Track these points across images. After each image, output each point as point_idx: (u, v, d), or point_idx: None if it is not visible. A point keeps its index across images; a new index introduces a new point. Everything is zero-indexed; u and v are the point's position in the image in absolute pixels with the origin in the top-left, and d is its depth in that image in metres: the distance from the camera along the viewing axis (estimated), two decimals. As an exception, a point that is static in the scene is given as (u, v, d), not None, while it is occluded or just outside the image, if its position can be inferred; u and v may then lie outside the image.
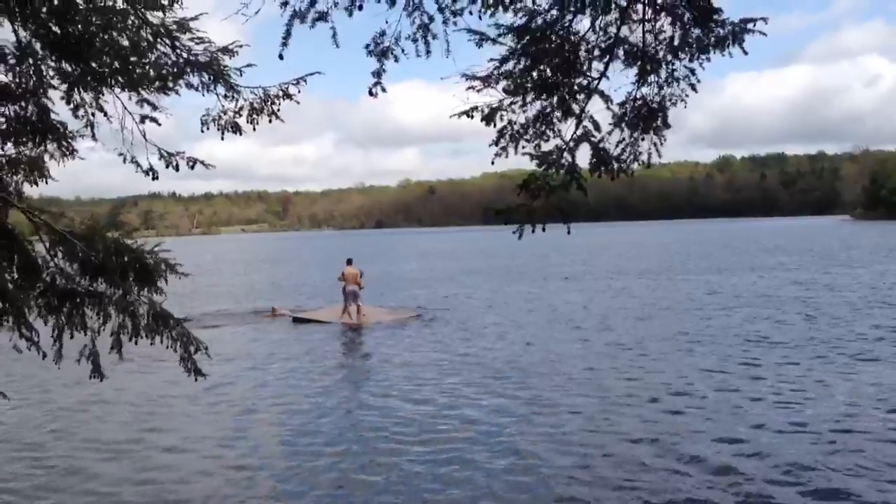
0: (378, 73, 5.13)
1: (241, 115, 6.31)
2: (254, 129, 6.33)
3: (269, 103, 6.31)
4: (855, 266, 35.56)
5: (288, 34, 5.11)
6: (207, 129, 6.33)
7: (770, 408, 10.56)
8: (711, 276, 33.45)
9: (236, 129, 6.34)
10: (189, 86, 6.25)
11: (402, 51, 5.10)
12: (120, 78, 6.03)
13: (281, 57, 5.22)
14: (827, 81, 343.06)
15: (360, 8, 5.00)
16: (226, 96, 6.29)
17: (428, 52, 5.06)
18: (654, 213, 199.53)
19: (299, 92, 6.27)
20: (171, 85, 6.13)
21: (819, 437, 9.12)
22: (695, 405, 10.82)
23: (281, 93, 6.30)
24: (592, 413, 10.61)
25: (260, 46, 5.30)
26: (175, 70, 6.08)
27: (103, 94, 6.22)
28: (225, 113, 6.32)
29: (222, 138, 6.33)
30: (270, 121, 6.35)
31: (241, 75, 6.37)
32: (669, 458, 8.60)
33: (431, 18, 5.04)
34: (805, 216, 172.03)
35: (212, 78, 6.24)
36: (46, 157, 6.48)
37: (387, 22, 5.15)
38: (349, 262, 22.39)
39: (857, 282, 28.10)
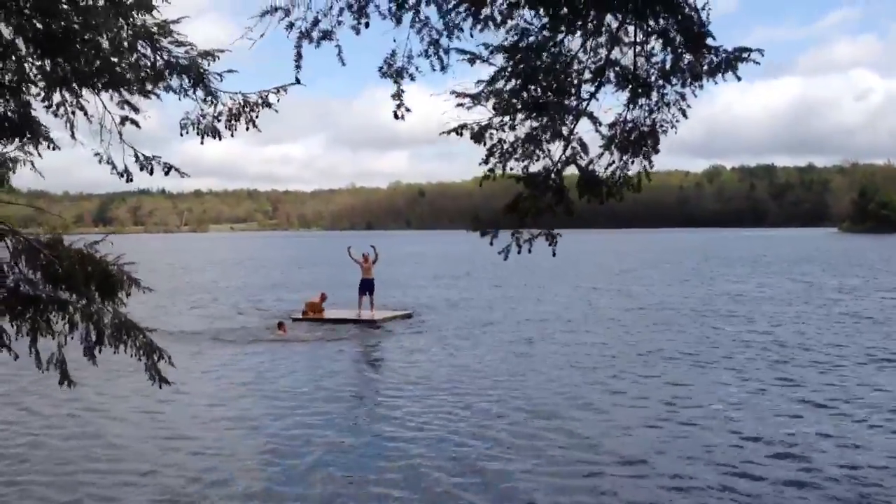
0: (398, 95, 5.07)
1: (219, 121, 6.26)
2: (231, 135, 6.29)
3: (248, 110, 6.26)
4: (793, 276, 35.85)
5: (299, 56, 5.11)
6: (187, 132, 6.29)
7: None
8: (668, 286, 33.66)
9: (215, 133, 6.28)
10: (168, 89, 6.20)
11: (417, 69, 5.06)
12: (101, 78, 5.98)
13: (298, 81, 5.21)
14: (817, 94, 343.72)
15: (367, 26, 4.95)
16: (205, 100, 6.25)
17: (443, 67, 5.02)
18: (644, 222, 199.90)
19: (279, 101, 6.22)
20: (149, 87, 6.09)
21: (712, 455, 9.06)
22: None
23: (260, 101, 6.25)
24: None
25: (256, 48, 5.28)
26: (154, 72, 6.04)
27: (82, 94, 6.17)
28: (204, 117, 6.27)
29: (202, 143, 6.29)
30: (248, 128, 6.29)
31: (221, 80, 6.32)
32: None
33: (441, 34, 5.00)
34: (794, 228, 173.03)
35: (192, 81, 6.20)
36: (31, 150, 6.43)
37: (394, 41, 5.11)
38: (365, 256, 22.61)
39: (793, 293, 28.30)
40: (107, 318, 5.65)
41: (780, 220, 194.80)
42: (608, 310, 24.61)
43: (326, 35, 5.00)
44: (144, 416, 11.21)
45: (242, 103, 6.30)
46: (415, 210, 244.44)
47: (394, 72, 5.06)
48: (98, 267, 5.56)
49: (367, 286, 22.26)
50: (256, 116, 6.35)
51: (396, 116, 5.15)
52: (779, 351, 16.22)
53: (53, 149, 6.54)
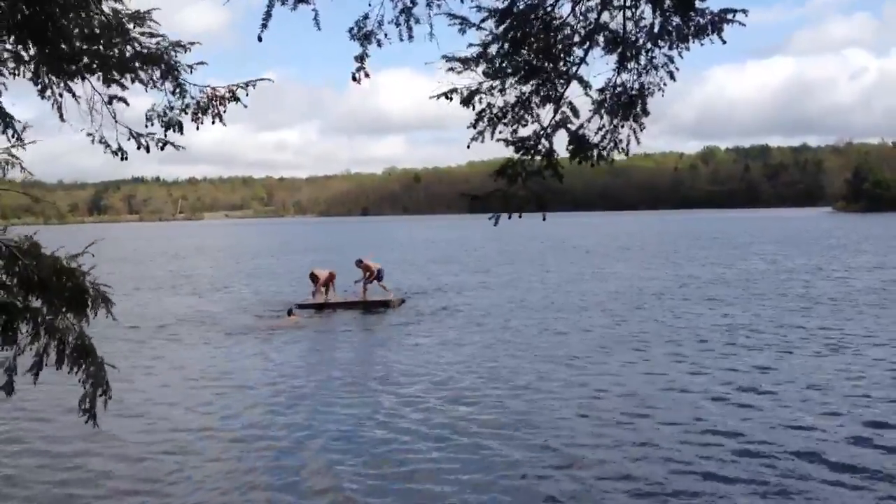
0: (361, 58, 5.06)
1: (186, 113, 6.24)
2: (197, 129, 6.22)
3: (216, 104, 6.20)
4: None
5: (268, 15, 5.01)
6: (152, 124, 6.25)
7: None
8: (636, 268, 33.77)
9: (180, 126, 6.25)
10: (136, 80, 6.12)
11: (385, 35, 5.05)
12: (87, 59, 5.92)
13: (259, 39, 5.13)
14: (811, 74, 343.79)
15: None
16: (173, 93, 6.23)
17: (410, 36, 5.01)
18: (639, 204, 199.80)
19: (247, 95, 6.12)
20: (116, 77, 6.02)
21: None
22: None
23: (229, 94, 6.20)
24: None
25: (248, 34, 5.27)
26: (121, 63, 5.98)
27: (66, 77, 6.10)
28: (171, 109, 6.26)
29: (164, 135, 6.23)
30: (213, 122, 6.21)
31: (191, 72, 6.27)
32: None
33: (414, 2, 4.99)
34: (788, 208, 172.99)
35: (161, 73, 6.14)
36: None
37: (370, 5, 5.09)
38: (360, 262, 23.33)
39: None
40: (71, 337, 5.40)
41: (774, 201, 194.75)
42: (590, 295, 24.57)
43: None
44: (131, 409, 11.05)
45: (210, 96, 6.24)
46: (411, 195, 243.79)
47: (362, 34, 5.05)
48: (75, 281, 5.35)
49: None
50: (224, 111, 6.29)
51: (354, 78, 5.12)
52: (750, 337, 16.13)
53: (18, 139, 6.45)
